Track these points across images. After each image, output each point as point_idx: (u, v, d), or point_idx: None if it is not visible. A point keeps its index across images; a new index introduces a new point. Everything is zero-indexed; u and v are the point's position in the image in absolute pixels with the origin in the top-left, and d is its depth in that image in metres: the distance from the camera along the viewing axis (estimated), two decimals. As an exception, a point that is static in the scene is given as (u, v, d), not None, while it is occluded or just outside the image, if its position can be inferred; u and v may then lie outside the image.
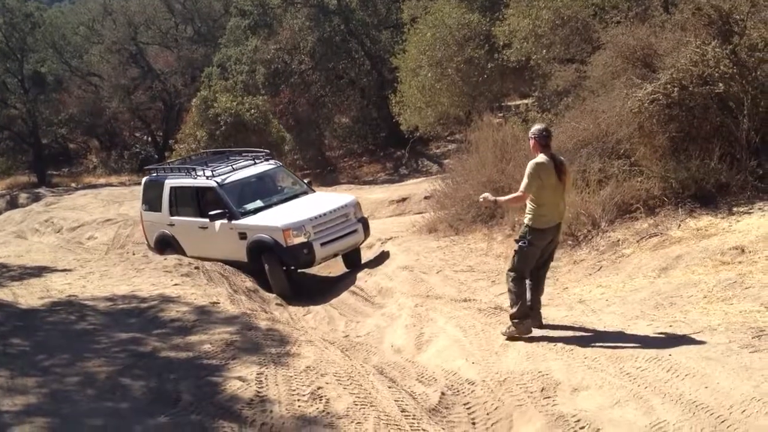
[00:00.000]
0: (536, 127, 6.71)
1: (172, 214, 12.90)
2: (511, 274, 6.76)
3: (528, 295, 6.83)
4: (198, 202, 12.35)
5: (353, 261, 12.49)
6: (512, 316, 6.77)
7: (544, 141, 6.56)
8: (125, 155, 42.12)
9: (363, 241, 12.34)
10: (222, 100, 25.28)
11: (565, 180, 6.67)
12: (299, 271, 12.34)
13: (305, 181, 13.42)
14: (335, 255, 11.97)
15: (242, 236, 11.59)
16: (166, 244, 13.15)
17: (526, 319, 6.72)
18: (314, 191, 13.06)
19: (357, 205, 12.26)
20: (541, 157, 6.52)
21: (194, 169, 12.69)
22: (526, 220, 6.67)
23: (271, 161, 13.35)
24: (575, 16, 14.84)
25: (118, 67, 39.47)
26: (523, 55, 16.47)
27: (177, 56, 39.74)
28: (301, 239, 11.10)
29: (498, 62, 18.14)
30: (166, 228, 13.07)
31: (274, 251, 11.23)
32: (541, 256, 6.82)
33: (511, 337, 6.75)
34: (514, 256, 6.75)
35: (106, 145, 44.14)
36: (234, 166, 12.79)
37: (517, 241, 6.74)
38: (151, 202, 13.42)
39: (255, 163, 13.08)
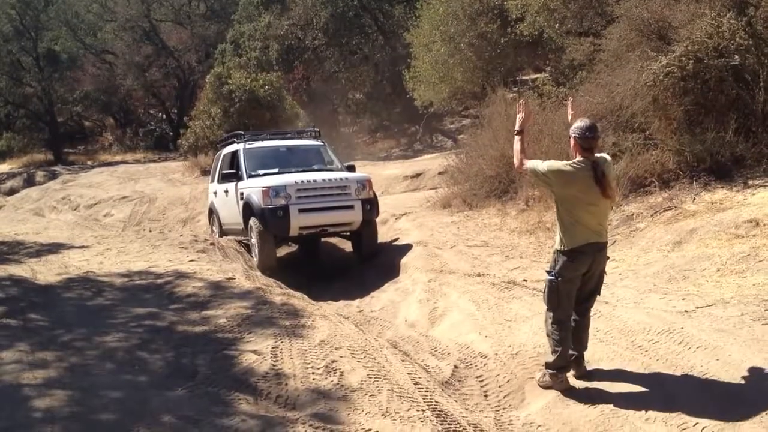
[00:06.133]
0: (578, 125, 5.09)
1: (217, 182, 13.08)
2: (549, 315, 5.30)
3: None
4: (230, 167, 12.34)
5: (359, 245, 11.56)
6: (548, 365, 5.35)
7: (587, 144, 5.01)
8: (140, 133, 42.40)
9: (359, 222, 11.02)
10: (236, 77, 25.28)
11: (611, 195, 5.10)
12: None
13: (347, 164, 12.39)
14: (321, 228, 11.02)
15: (241, 197, 11.36)
16: (211, 215, 13.57)
17: (563, 372, 5.30)
18: (345, 170, 11.97)
19: (364, 182, 11.16)
20: (573, 164, 5.04)
21: (240, 136, 12.80)
22: (555, 245, 5.26)
23: (317, 140, 13.09)
24: (588, -12, 14.71)
25: (131, 44, 39.61)
26: (536, 29, 16.35)
27: (190, 33, 39.77)
28: (280, 201, 10.50)
29: (511, 36, 18.02)
30: (213, 197, 13.39)
31: (255, 214, 10.75)
32: (583, 288, 5.31)
33: (545, 387, 5.39)
34: (545, 292, 5.32)
35: (121, 122, 44.41)
36: (271, 136, 12.92)
37: (548, 273, 5.28)
38: (213, 174, 13.82)
39: (294, 137, 13.18)
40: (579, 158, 5.04)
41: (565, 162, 5.11)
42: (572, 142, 5.13)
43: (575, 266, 5.13)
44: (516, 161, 5.36)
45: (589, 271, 5.22)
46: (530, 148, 10.63)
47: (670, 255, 8.17)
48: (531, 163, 5.24)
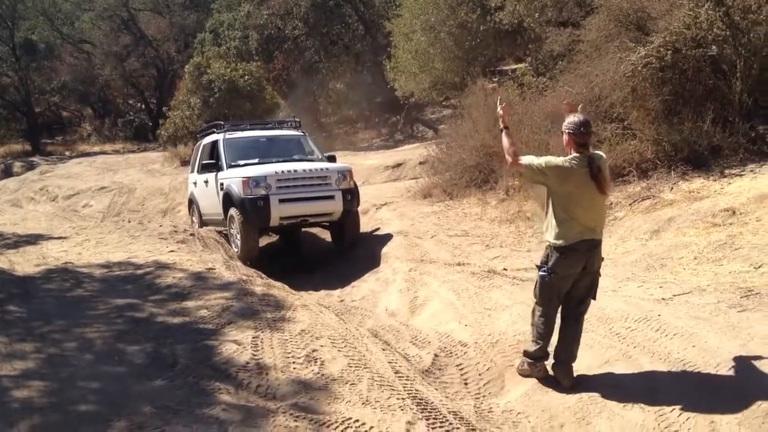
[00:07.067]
0: (571, 120, 4.98)
1: (197, 172, 12.97)
2: (538, 308, 5.28)
3: (555, 339, 5.33)
4: (210, 157, 12.23)
5: (340, 235, 11.49)
6: (526, 353, 5.41)
7: (581, 139, 4.91)
8: (119, 123, 41.94)
9: (340, 212, 10.92)
10: (215, 67, 25.11)
11: (606, 190, 5.05)
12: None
13: (327, 154, 12.30)
14: (301, 218, 10.95)
15: (221, 188, 11.27)
16: (191, 206, 13.51)
17: (541, 362, 5.35)
18: (326, 160, 11.87)
19: (345, 172, 11.08)
20: (570, 159, 4.94)
21: (219, 126, 12.70)
22: (547, 236, 5.13)
23: (298, 130, 12.95)
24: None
25: (110, 33, 39.14)
26: (516, 18, 16.39)
27: (169, 22, 39.41)
28: (260, 192, 10.43)
29: (491, 26, 18.05)
30: (192, 187, 13.31)
31: (235, 204, 10.67)
32: (573, 288, 5.18)
33: (524, 375, 5.45)
34: (535, 286, 5.27)
35: (100, 112, 43.93)
36: (250, 126, 12.87)
37: (538, 267, 5.21)
38: (192, 164, 13.72)
39: (274, 128, 13.11)
40: (575, 154, 4.94)
41: (562, 158, 4.99)
42: (566, 138, 5.01)
43: (569, 263, 5.01)
44: (509, 157, 5.14)
45: (585, 269, 5.06)
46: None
47: (648, 243, 8.25)
48: (527, 159, 5.08)
